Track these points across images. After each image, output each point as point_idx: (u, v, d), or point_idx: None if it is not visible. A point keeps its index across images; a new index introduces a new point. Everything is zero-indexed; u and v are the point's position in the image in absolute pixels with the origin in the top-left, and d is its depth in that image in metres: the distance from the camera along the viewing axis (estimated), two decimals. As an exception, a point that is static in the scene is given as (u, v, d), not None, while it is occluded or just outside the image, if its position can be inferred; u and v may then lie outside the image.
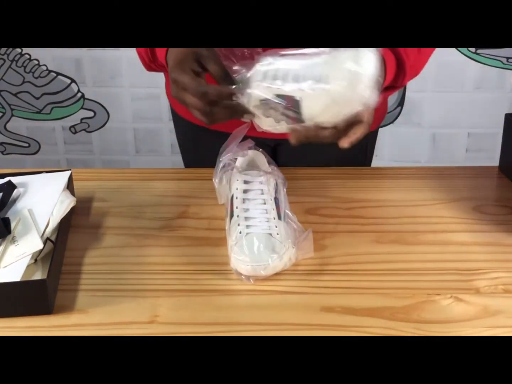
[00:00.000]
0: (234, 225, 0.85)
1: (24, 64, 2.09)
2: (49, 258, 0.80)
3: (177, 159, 1.33)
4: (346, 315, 0.77)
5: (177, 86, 0.82)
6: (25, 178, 0.95)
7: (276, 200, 0.87)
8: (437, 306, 0.78)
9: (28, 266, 0.79)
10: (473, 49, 2.04)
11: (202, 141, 1.18)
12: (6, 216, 0.86)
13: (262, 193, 0.87)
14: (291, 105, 0.76)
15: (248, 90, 0.78)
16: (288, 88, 0.76)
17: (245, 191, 0.87)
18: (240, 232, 0.83)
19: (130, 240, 0.91)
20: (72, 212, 0.93)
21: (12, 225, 0.84)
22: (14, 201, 0.90)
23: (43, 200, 0.89)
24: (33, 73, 2.10)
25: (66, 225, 0.90)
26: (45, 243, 0.82)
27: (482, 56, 2.05)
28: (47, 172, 0.98)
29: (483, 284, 0.81)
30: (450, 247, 0.88)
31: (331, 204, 0.99)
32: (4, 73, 2.10)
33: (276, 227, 0.83)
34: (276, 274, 0.83)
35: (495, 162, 1.13)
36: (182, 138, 1.26)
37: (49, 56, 2.07)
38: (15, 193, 0.91)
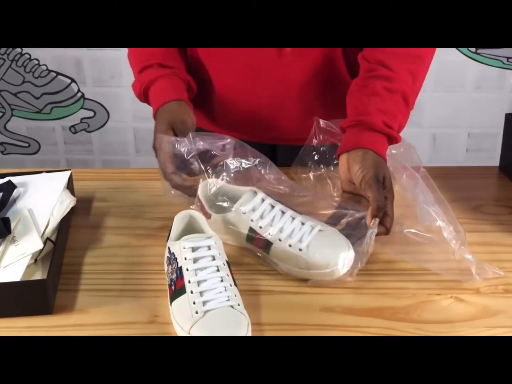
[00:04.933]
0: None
1: (24, 64, 2.09)
2: (49, 258, 0.80)
3: (177, 159, 1.32)
4: (346, 315, 0.76)
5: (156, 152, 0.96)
6: (25, 178, 0.95)
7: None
8: (437, 306, 0.78)
9: (28, 266, 0.79)
10: (473, 49, 2.04)
11: None
12: (6, 216, 0.86)
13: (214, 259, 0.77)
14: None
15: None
16: (270, 235, 0.83)
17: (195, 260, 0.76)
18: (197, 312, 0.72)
19: (130, 240, 0.91)
20: (72, 212, 0.93)
21: (12, 225, 0.84)
22: (14, 201, 0.90)
23: (43, 200, 0.89)
24: (33, 73, 2.10)
25: (66, 225, 0.90)
26: (45, 243, 0.82)
27: (482, 56, 2.05)
28: (47, 172, 0.98)
29: (483, 284, 0.81)
30: (451, 247, 0.88)
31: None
32: (4, 73, 2.10)
33: (235, 296, 0.74)
34: (276, 274, 0.83)
35: (495, 162, 1.13)
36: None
37: (49, 56, 2.07)
38: (15, 193, 0.91)
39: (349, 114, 0.95)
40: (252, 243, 0.85)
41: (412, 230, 0.84)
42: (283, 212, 0.84)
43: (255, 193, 0.86)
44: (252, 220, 0.83)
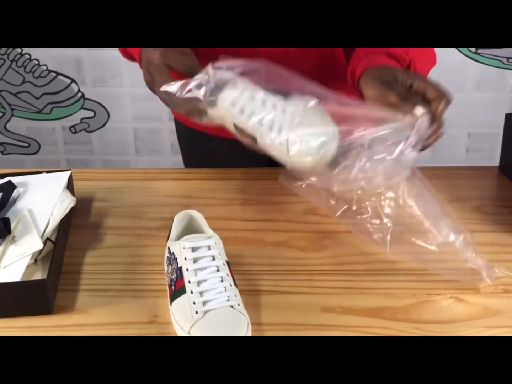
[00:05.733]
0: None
1: (24, 64, 2.09)
2: (49, 258, 0.80)
3: (177, 159, 1.33)
4: (346, 315, 0.77)
5: (149, 83, 0.87)
6: (25, 178, 0.95)
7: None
8: (437, 306, 0.78)
9: (28, 266, 0.79)
10: (473, 49, 2.04)
11: (203, 145, 1.19)
12: (6, 216, 0.86)
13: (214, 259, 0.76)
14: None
15: (212, 112, 0.81)
16: (251, 129, 0.79)
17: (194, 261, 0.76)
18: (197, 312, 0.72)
19: (130, 240, 0.91)
20: (72, 212, 0.93)
21: (12, 225, 0.84)
22: (14, 201, 0.90)
23: (43, 200, 0.89)
24: (33, 73, 2.10)
25: (66, 225, 0.90)
26: (45, 243, 0.82)
27: (482, 56, 2.05)
28: (47, 172, 0.98)
29: (484, 284, 0.81)
30: (451, 247, 0.88)
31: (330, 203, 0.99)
32: (4, 73, 2.10)
33: (235, 296, 0.74)
34: (276, 274, 0.83)
35: (495, 162, 1.13)
36: (182, 140, 1.26)
37: (49, 56, 2.07)
38: (15, 193, 0.91)
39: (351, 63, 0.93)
40: (243, 137, 0.81)
41: (422, 243, 0.84)
42: (264, 103, 0.78)
43: (235, 85, 0.79)
44: (233, 116, 0.79)
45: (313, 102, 0.78)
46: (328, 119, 0.78)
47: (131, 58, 1.00)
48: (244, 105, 0.78)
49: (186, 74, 0.83)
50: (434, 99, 0.81)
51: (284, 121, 0.77)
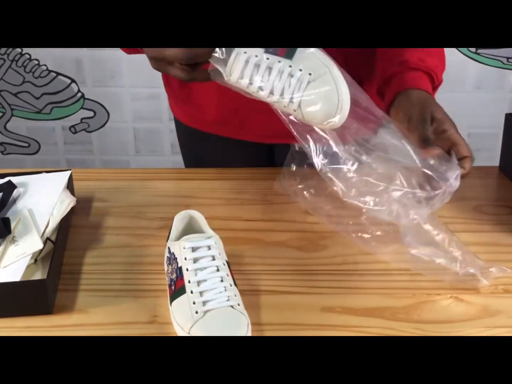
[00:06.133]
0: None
1: (24, 64, 2.09)
2: (49, 258, 0.80)
3: (177, 159, 1.33)
4: (346, 315, 0.77)
5: (156, 61, 0.82)
6: (25, 178, 0.95)
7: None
8: (437, 306, 0.78)
9: (28, 266, 0.79)
10: (473, 49, 2.04)
11: (202, 145, 1.19)
12: (6, 216, 0.86)
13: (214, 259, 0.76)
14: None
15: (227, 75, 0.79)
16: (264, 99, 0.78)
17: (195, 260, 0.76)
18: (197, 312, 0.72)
19: (130, 240, 0.91)
20: (72, 212, 0.93)
21: (12, 225, 0.84)
22: (14, 201, 0.90)
23: (43, 200, 0.89)
24: (33, 73, 2.10)
25: (66, 225, 0.90)
26: (45, 243, 0.82)
27: (482, 56, 2.05)
28: (47, 172, 0.98)
29: (482, 285, 0.81)
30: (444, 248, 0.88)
31: (330, 203, 0.99)
32: (4, 73, 2.10)
33: (235, 296, 0.74)
34: (276, 274, 0.83)
35: (495, 162, 1.13)
36: (182, 140, 1.26)
37: (49, 56, 2.07)
38: (15, 193, 0.91)
39: (378, 72, 0.94)
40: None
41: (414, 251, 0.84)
42: (270, 69, 0.77)
43: (237, 55, 0.78)
44: (243, 88, 0.79)
45: (312, 49, 0.78)
46: (334, 82, 0.77)
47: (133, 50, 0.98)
48: (252, 77, 0.77)
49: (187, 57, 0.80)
50: (466, 158, 0.83)
51: (293, 86, 0.76)
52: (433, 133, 0.84)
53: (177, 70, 0.80)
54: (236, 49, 0.78)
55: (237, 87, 0.80)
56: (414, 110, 0.85)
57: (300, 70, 0.76)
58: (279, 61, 0.77)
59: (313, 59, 0.78)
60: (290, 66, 0.76)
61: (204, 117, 1.14)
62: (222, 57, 0.78)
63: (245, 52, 0.78)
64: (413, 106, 0.85)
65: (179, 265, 0.75)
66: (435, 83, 0.93)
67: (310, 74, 0.76)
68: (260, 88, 0.77)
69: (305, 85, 0.76)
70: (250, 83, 0.77)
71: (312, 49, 0.78)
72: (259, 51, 0.78)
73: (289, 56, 0.77)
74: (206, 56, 0.78)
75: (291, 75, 0.76)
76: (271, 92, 0.77)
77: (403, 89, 0.88)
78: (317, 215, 0.93)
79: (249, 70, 0.77)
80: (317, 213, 0.93)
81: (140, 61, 1.03)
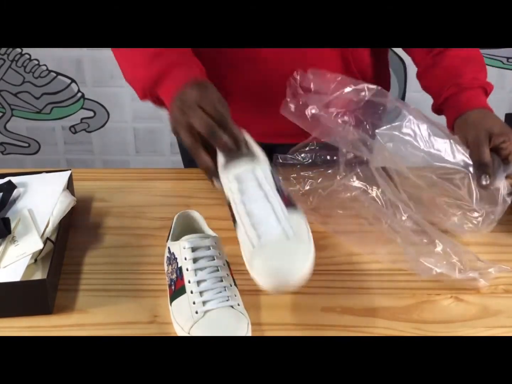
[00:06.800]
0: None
1: (24, 64, 2.08)
2: (49, 258, 0.80)
3: (177, 159, 1.32)
4: (346, 315, 0.77)
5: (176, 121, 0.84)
6: (25, 178, 0.95)
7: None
8: (437, 306, 0.78)
9: (28, 266, 0.79)
10: (473, 49, 2.04)
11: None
12: (6, 216, 0.86)
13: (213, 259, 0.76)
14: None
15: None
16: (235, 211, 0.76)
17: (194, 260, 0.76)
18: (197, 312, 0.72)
19: (130, 240, 0.91)
20: (72, 212, 0.93)
21: (12, 225, 0.84)
22: (14, 201, 0.90)
23: (43, 200, 0.89)
24: (33, 73, 2.10)
25: (66, 225, 0.90)
26: (45, 243, 0.82)
27: (482, 56, 2.05)
28: (47, 172, 0.98)
29: (482, 285, 0.81)
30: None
31: (330, 203, 0.99)
32: (4, 73, 2.10)
33: (235, 296, 0.74)
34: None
35: (495, 162, 1.13)
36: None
37: (49, 56, 2.07)
38: (15, 193, 0.91)
39: (434, 94, 0.98)
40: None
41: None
42: (267, 199, 0.74)
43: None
44: (232, 192, 0.78)
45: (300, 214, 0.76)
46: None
47: (157, 100, 1.00)
48: (248, 191, 0.76)
49: (211, 123, 0.81)
50: None
51: (269, 234, 0.72)
52: (494, 149, 0.87)
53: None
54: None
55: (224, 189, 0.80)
56: (470, 136, 0.88)
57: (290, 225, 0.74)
58: (281, 202, 0.75)
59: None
60: (286, 216, 0.74)
61: None
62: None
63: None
64: (469, 131, 0.89)
65: (179, 265, 0.75)
66: (488, 92, 0.99)
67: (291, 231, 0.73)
68: (244, 203, 0.75)
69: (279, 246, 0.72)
70: (242, 193, 0.76)
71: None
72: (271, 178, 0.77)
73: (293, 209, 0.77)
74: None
75: (279, 221, 0.73)
76: (250, 216, 0.73)
77: (459, 115, 0.92)
78: (317, 216, 0.93)
79: (250, 187, 0.77)
80: (317, 213, 0.93)
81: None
